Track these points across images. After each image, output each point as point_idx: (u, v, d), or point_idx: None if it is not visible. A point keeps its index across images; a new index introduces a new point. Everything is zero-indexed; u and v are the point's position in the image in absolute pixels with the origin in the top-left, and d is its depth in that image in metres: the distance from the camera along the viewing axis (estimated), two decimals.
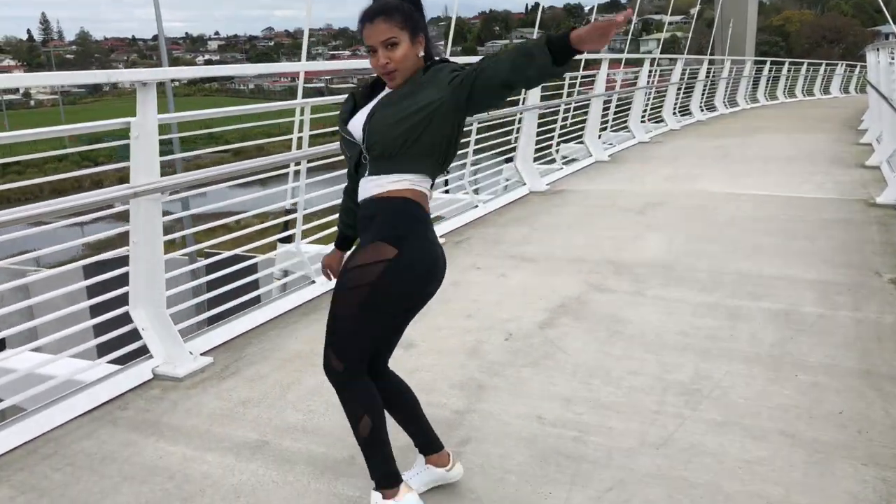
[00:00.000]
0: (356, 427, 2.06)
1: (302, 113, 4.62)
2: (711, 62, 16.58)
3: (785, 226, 5.69)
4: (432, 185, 2.08)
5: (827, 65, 25.08)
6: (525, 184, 7.63)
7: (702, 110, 15.65)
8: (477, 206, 6.55)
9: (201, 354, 3.52)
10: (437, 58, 2.04)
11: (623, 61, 13.77)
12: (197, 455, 2.66)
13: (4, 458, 2.71)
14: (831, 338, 3.48)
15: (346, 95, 2.19)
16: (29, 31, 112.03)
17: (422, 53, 1.99)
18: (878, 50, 10.64)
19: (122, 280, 3.44)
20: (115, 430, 2.88)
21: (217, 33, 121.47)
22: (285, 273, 5.32)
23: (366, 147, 1.98)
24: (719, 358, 3.28)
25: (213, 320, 3.89)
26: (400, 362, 3.37)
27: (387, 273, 1.93)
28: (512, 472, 2.45)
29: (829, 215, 6.03)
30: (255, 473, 2.52)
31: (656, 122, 13.44)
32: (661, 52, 17.54)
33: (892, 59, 8.73)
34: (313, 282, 4.46)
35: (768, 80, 20.74)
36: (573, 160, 9.70)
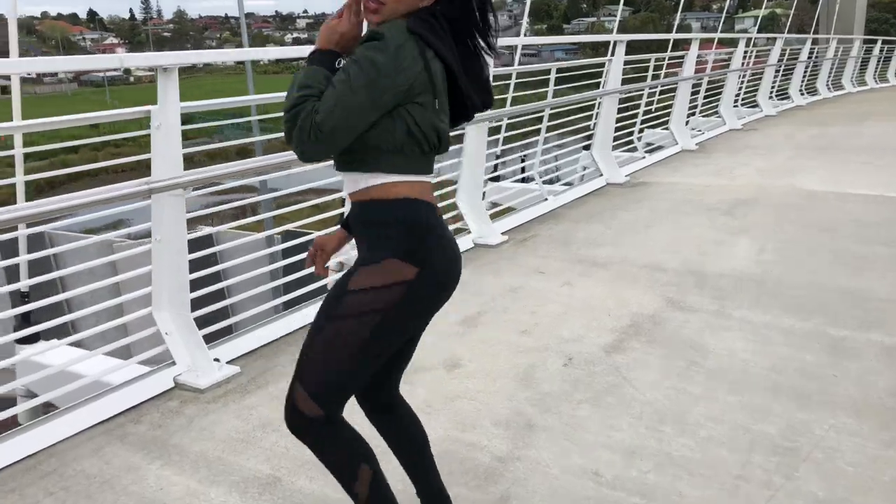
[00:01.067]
0: (353, 483, 1.64)
1: None
2: (815, 42, 15.30)
3: None
4: (428, 171, 1.64)
5: None
6: (602, 174, 7.07)
7: (802, 94, 14.44)
8: (546, 199, 6.06)
9: (228, 363, 3.24)
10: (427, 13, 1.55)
11: (715, 41, 12.85)
12: (201, 489, 2.36)
13: (3, 472, 2.50)
14: None
15: None
16: (131, 10, 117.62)
17: (425, 3, 1.55)
18: None
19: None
20: (121, 449, 2.62)
21: (305, 11, 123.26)
22: (341, 265, 5.04)
23: None
24: (820, 406, 2.73)
25: (288, 305, 3.77)
26: (441, 384, 3.02)
27: (406, 298, 1.55)
28: None
29: None
30: None
31: (750, 108, 12.45)
32: (759, 31, 16.35)
33: None
34: None
35: (879, 61, 19.08)
36: (657, 148, 9.00)
